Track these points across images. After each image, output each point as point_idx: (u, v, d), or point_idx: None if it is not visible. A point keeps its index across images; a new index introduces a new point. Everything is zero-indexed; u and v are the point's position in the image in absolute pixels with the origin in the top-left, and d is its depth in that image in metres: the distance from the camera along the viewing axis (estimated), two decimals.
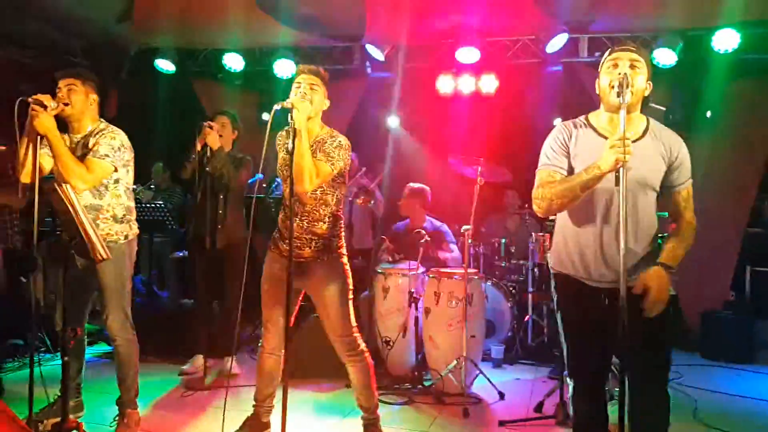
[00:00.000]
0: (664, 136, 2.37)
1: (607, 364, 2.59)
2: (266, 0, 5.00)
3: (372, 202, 5.02)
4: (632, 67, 2.30)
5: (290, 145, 2.57)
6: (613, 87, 2.25)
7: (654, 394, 2.39)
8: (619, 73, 2.24)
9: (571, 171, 2.40)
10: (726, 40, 4.98)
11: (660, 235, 2.48)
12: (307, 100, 2.84)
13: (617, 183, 2.12)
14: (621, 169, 2.09)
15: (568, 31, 5.41)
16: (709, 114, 5.35)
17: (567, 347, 2.52)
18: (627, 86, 2.16)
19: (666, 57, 5.15)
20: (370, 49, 5.81)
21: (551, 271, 2.59)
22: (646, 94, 2.38)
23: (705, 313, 5.36)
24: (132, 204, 3.28)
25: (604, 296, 2.38)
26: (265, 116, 6.57)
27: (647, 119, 2.42)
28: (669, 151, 2.35)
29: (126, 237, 3.20)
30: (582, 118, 2.49)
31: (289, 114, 2.62)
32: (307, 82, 2.91)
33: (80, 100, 3.11)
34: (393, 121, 6.46)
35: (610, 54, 2.36)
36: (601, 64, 2.40)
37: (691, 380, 4.44)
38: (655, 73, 5.12)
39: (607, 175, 2.17)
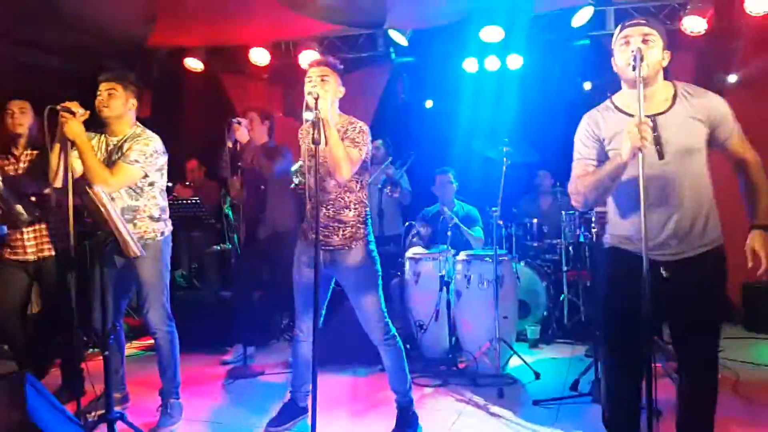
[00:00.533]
0: (695, 98, 2.33)
1: (651, 336, 2.49)
2: None
3: (398, 193, 5.06)
4: (644, 41, 2.27)
5: (315, 135, 2.62)
6: (628, 64, 2.23)
7: (702, 372, 2.39)
8: (632, 50, 2.21)
9: (606, 158, 2.39)
10: (759, 3, 4.80)
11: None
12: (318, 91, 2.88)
13: (660, 156, 2.21)
14: (660, 144, 2.17)
15: (594, 4, 5.30)
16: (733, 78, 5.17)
17: (607, 320, 2.49)
18: (642, 60, 2.14)
19: (695, 24, 4.99)
20: (393, 34, 5.81)
21: (605, 245, 2.55)
22: (665, 64, 2.34)
23: (746, 284, 5.23)
24: (166, 204, 3.41)
25: (663, 268, 2.34)
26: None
27: (674, 85, 2.37)
28: (704, 111, 2.31)
29: (162, 234, 3.33)
30: (607, 101, 2.48)
31: (314, 105, 2.67)
32: (317, 75, 2.95)
33: (119, 104, 3.21)
34: (420, 105, 6.46)
35: (620, 31, 2.34)
36: (613, 42, 2.38)
37: (732, 354, 4.35)
38: (685, 40, 4.97)
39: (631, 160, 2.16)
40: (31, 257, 3.61)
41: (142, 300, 3.27)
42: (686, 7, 5.06)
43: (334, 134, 2.79)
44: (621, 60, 2.32)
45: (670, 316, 2.44)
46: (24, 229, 3.58)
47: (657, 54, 2.29)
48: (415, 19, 5.74)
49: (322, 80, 2.94)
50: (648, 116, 2.23)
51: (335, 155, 2.79)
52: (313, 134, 2.64)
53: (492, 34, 5.51)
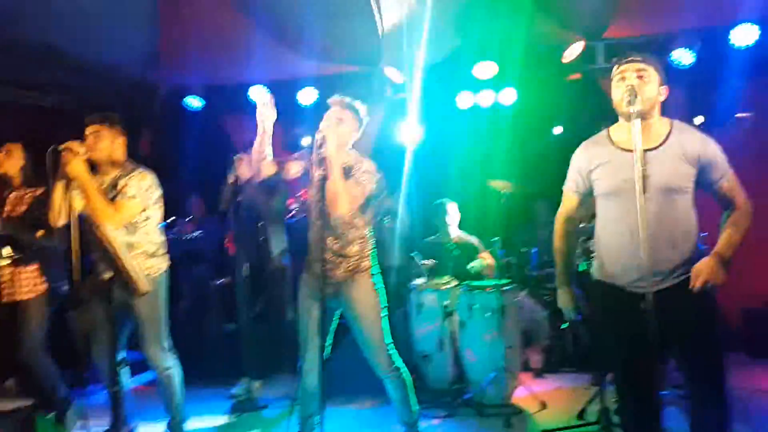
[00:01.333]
0: (686, 138, 2.39)
1: (654, 369, 2.53)
2: (286, 33, 5.19)
3: (393, 221, 5.10)
4: (639, 77, 2.35)
5: (323, 172, 2.70)
6: (623, 99, 2.32)
7: (711, 398, 2.39)
8: (626, 85, 2.32)
9: (588, 189, 2.56)
10: (744, 36, 4.96)
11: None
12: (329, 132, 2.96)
13: (644, 190, 2.26)
14: (641, 178, 2.23)
15: (584, 39, 5.45)
16: (744, 114, 5.30)
17: (611, 355, 2.55)
18: (636, 95, 2.26)
19: (685, 57, 5.14)
20: (389, 72, 5.94)
21: (592, 278, 2.62)
22: (661, 99, 2.42)
23: (747, 309, 5.25)
24: (163, 239, 3.40)
25: (643, 302, 2.33)
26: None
27: (671, 123, 2.44)
28: (695, 152, 2.36)
29: (159, 270, 3.31)
30: (603, 132, 2.56)
31: (321, 142, 2.75)
32: (334, 116, 3.04)
33: (106, 145, 3.23)
34: (415, 140, 6.55)
35: (617, 68, 2.43)
36: (611, 78, 2.46)
37: (736, 381, 4.32)
38: (674, 73, 5.12)
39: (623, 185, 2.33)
40: (5, 299, 3.54)
41: (140, 337, 3.24)
42: (674, 40, 5.21)
43: (335, 172, 2.87)
44: (616, 95, 2.40)
45: (668, 347, 2.43)
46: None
47: (652, 89, 2.37)
48: (410, 57, 5.87)
49: (338, 121, 3.02)
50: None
51: (333, 191, 2.87)
52: (320, 171, 2.71)
53: (485, 69, 5.65)
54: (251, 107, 6.36)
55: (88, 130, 3.23)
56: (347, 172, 3.02)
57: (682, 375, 2.54)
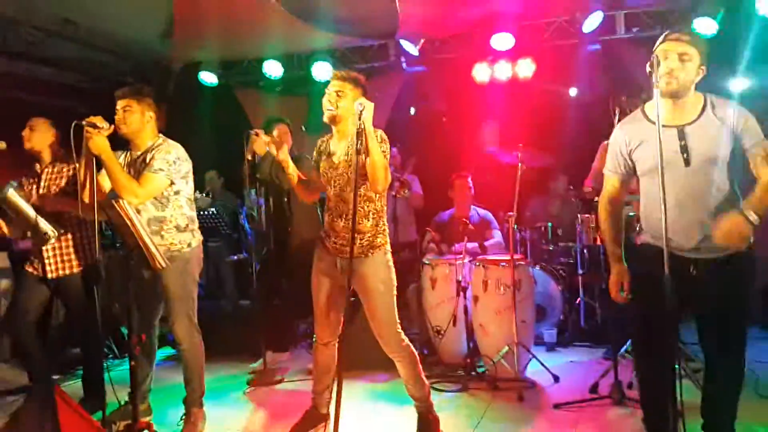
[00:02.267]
0: (721, 110, 2.45)
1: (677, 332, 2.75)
2: (300, 6, 5.14)
3: (407, 191, 5.08)
4: (681, 60, 2.37)
5: (359, 146, 2.67)
6: (662, 77, 2.34)
7: (727, 366, 2.49)
8: (667, 68, 2.35)
9: (630, 169, 2.62)
10: None
11: None
12: (333, 106, 2.95)
13: (686, 164, 2.41)
14: (688, 152, 2.37)
15: (604, 9, 5.33)
16: None
17: (640, 318, 2.62)
18: (658, 66, 2.28)
19: (706, 26, 5.00)
20: (404, 44, 5.88)
21: (639, 241, 2.70)
22: (698, 79, 2.43)
23: (765, 285, 5.20)
24: (194, 213, 3.38)
25: (692, 266, 2.48)
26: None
27: (704, 97, 2.49)
28: (729, 123, 2.42)
29: (189, 245, 3.29)
30: (639, 109, 2.62)
31: (359, 114, 2.72)
32: (334, 90, 2.99)
33: (136, 119, 3.22)
34: (432, 113, 6.52)
35: (661, 42, 2.44)
36: (653, 51, 2.45)
37: (751, 354, 4.31)
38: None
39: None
40: (50, 275, 3.61)
41: (168, 311, 3.27)
42: (697, 8, 5.08)
43: (376, 147, 2.80)
44: (658, 70, 2.36)
45: (697, 314, 2.56)
46: (44, 248, 3.59)
47: (691, 72, 2.40)
48: (426, 29, 5.80)
49: (337, 95, 2.98)
50: (677, 126, 2.42)
51: (377, 164, 2.81)
52: (356, 144, 2.68)
53: (502, 41, 5.56)
54: (266, 81, 6.44)
55: (119, 104, 3.22)
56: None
57: (703, 346, 2.59)
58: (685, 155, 2.41)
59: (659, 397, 2.56)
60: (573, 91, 6.06)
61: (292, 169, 3.11)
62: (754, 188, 2.42)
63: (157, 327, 3.53)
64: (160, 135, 3.37)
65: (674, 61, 2.36)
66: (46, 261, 3.61)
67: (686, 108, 2.45)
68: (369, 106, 2.78)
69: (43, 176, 3.69)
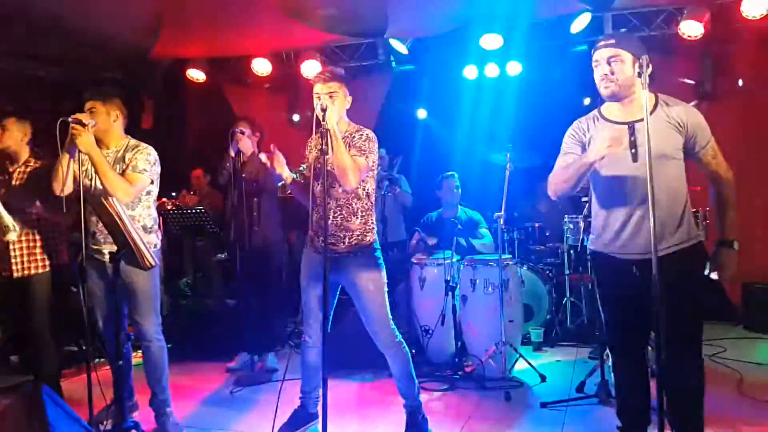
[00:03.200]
0: (673, 110, 2.53)
1: (645, 334, 2.74)
2: (290, 3, 5.12)
3: (396, 190, 5.09)
4: (611, 63, 2.47)
5: (324, 147, 2.71)
6: (600, 86, 2.50)
7: (685, 363, 2.48)
8: (600, 75, 2.47)
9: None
10: (755, 6, 4.87)
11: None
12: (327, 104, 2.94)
13: (634, 159, 2.47)
14: (636, 148, 2.43)
15: (592, 10, 5.36)
16: (741, 82, 5.25)
17: (606, 320, 2.72)
18: (648, 67, 2.31)
19: (693, 29, 5.05)
20: (394, 43, 5.88)
21: (588, 249, 2.78)
22: (643, 71, 2.38)
23: (746, 284, 5.28)
24: (156, 215, 3.42)
25: (635, 268, 2.53)
26: (296, 117, 6.74)
27: (656, 96, 2.57)
28: (680, 122, 2.49)
29: (156, 246, 3.33)
30: (595, 111, 2.70)
31: (322, 117, 2.75)
32: (325, 92, 3.01)
33: (102, 120, 3.21)
34: (420, 113, 6.52)
35: (593, 53, 2.55)
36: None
37: (734, 354, 4.40)
38: (683, 45, 5.09)
39: (597, 162, 2.42)
40: (15, 274, 3.54)
41: (136, 310, 3.25)
42: (683, 11, 5.12)
43: (340, 145, 2.85)
44: (596, 78, 2.54)
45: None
46: (11, 246, 3.51)
47: (626, 71, 2.48)
48: (416, 28, 5.80)
49: (330, 97, 3.00)
50: (627, 123, 2.49)
51: (341, 165, 2.85)
52: (321, 144, 2.72)
53: (491, 41, 5.58)
54: (254, 79, 6.40)
55: (86, 106, 3.23)
56: (348, 142, 3.02)
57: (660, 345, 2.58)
58: (633, 151, 2.46)
59: (631, 398, 2.68)
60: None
61: (286, 174, 3.12)
62: (721, 208, 2.54)
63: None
64: (128, 136, 3.37)
65: (605, 67, 2.47)
66: (13, 260, 3.54)
67: (635, 106, 2.52)
68: (331, 106, 2.83)
69: (15, 175, 3.63)
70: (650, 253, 2.27)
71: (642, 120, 2.41)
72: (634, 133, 2.47)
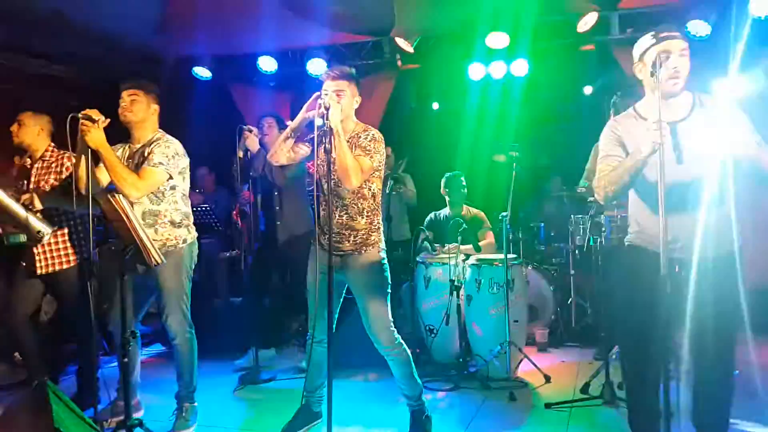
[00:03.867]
0: (709, 107, 2.42)
1: (668, 339, 2.57)
2: (296, 2, 5.11)
3: (401, 188, 5.08)
4: (682, 56, 2.34)
5: (327, 145, 2.71)
6: (652, 74, 2.27)
7: (722, 372, 2.45)
8: (674, 67, 2.30)
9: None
10: (763, 6, 4.83)
11: None
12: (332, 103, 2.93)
13: (679, 161, 2.34)
14: (680, 150, 2.29)
15: (598, 9, 5.34)
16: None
17: (624, 319, 2.60)
18: (661, 66, 2.24)
19: (700, 28, 5.03)
20: (400, 41, 5.86)
21: (626, 243, 2.65)
22: (653, 72, 2.34)
23: (754, 288, 5.23)
24: (189, 210, 3.40)
25: (677, 265, 2.43)
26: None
27: (693, 95, 2.46)
28: (720, 119, 2.37)
29: (185, 241, 3.32)
30: (630, 110, 2.60)
31: (324, 115, 2.74)
32: (332, 90, 2.99)
33: (142, 109, 3.25)
34: (426, 111, 6.51)
35: (657, 42, 2.37)
36: (644, 51, 2.42)
37: (741, 356, 4.35)
38: (690, 44, 5.04)
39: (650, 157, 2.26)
40: (39, 271, 3.58)
41: (162, 306, 3.26)
42: (690, 10, 5.09)
43: (342, 144, 2.84)
44: (662, 72, 2.31)
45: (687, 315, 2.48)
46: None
47: (688, 68, 2.37)
48: (422, 27, 5.79)
49: (337, 95, 2.99)
50: (668, 123, 2.29)
51: (343, 165, 2.85)
52: (324, 143, 2.71)
53: (497, 40, 5.56)
54: (260, 77, 6.40)
55: (126, 93, 3.23)
56: (354, 142, 3.01)
57: (691, 349, 2.52)
58: (677, 153, 2.37)
59: (648, 401, 2.55)
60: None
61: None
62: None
63: (139, 323, 3.52)
64: (160, 130, 3.38)
65: (677, 59, 2.33)
66: (36, 257, 3.58)
67: (677, 105, 2.42)
68: (335, 105, 2.82)
69: (33, 172, 3.65)
70: (698, 254, 2.25)
71: (683, 120, 2.38)
72: (676, 134, 2.37)
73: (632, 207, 2.63)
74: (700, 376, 2.49)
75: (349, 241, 3.08)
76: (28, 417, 2.28)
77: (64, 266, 3.62)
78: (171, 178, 3.22)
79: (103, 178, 3.15)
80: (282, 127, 4.52)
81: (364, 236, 3.08)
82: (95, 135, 2.91)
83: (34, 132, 3.65)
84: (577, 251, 5.24)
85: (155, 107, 3.32)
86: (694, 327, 2.46)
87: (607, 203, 2.66)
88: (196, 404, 3.43)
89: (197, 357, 3.42)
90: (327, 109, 2.78)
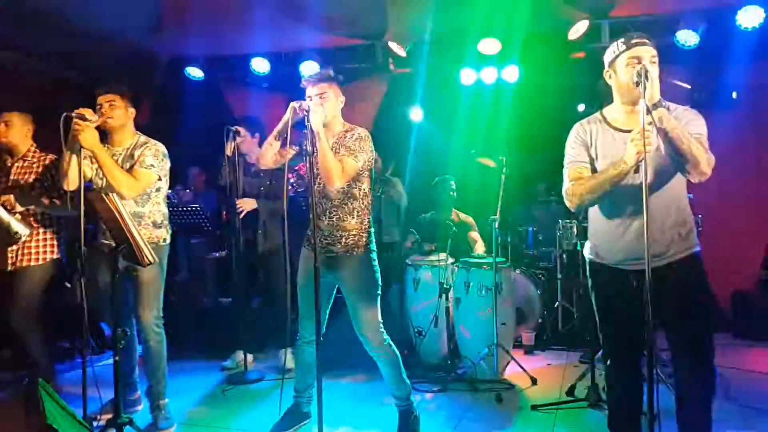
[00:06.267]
0: (681, 116, 2.41)
1: (642, 344, 2.59)
2: (289, 4, 5.14)
3: (391, 191, 5.11)
4: (652, 62, 2.32)
5: (309, 147, 2.74)
6: (636, 83, 2.22)
7: (696, 367, 2.45)
8: (636, 70, 2.23)
9: (592, 163, 2.51)
10: (751, 17, 4.93)
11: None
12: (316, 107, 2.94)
13: (636, 170, 2.24)
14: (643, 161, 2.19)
15: (589, 17, 5.41)
16: (735, 95, 5.31)
17: (602, 329, 2.62)
18: (649, 80, 2.20)
19: (689, 38, 5.11)
20: (392, 45, 5.91)
21: (587, 258, 2.67)
22: (638, 82, 2.29)
23: (736, 292, 5.34)
24: (167, 211, 3.48)
25: (633, 279, 2.45)
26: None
27: (659, 102, 2.42)
28: (690, 129, 2.36)
29: (165, 240, 3.42)
30: (597, 114, 2.57)
31: (306, 117, 2.78)
32: (315, 94, 3.03)
33: (121, 114, 3.28)
34: (416, 116, 6.54)
35: (627, 49, 2.36)
36: (614, 58, 2.41)
37: (723, 360, 4.43)
38: (678, 53, 5.09)
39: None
40: (9, 267, 3.54)
41: (138, 302, 3.30)
42: (679, 20, 5.17)
43: (324, 146, 2.87)
44: (626, 77, 2.34)
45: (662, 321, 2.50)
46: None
47: (658, 73, 2.35)
48: (414, 31, 5.83)
49: (321, 98, 3.02)
50: (630, 131, 2.27)
51: (324, 166, 2.89)
52: (306, 145, 2.75)
53: (489, 46, 5.61)
54: (252, 78, 6.41)
55: (103, 99, 3.25)
56: (340, 142, 3.04)
57: (671, 352, 2.57)
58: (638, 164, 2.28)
59: (629, 405, 2.61)
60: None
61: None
62: None
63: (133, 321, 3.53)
64: (139, 132, 3.42)
65: (648, 64, 2.28)
66: (9, 253, 3.55)
67: (640, 113, 2.33)
68: (316, 108, 2.86)
69: (13, 170, 3.63)
70: (658, 261, 2.24)
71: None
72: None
73: (591, 215, 2.62)
74: (681, 377, 2.53)
75: (340, 243, 3.10)
76: (20, 414, 2.29)
77: (32, 263, 3.57)
78: (160, 179, 3.31)
79: (87, 173, 3.16)
80: (253, 129, 4.51)
81: (356, 237, 3.10)
82: (89, 134, 2.95)
83: (22, 132, 3.64)
84: (564, 255, 5.30)
85: (132, 111, 3.37)
86: (671, 330, 2.50)
87: (578, 211, 2.65)
88: (167, 400, 3.45)
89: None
90: (307, 111, 2.81)
